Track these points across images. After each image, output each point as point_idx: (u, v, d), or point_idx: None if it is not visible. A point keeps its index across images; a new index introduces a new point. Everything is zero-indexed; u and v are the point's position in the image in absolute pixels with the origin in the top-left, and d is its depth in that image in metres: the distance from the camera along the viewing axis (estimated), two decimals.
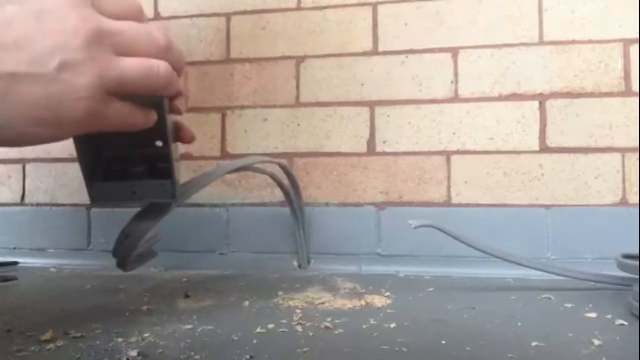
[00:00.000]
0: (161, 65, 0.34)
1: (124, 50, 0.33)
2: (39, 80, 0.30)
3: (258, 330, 0.41)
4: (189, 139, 0.44)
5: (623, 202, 0.67)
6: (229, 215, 0.76)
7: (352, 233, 0.72)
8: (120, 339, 0.38)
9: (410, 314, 0.46)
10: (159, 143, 0.42)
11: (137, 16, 0.35)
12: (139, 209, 0.46)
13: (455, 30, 0.71)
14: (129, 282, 0.61)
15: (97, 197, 0.42)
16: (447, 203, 0.71)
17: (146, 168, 0.43)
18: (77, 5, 0.31)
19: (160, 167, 0.43)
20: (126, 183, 0.42)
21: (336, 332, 0.41)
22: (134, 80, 0.33)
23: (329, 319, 0.44)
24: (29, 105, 0.30)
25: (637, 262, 0.46)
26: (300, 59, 0.76)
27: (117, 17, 0.33)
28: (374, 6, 0.74)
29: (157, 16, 0.80)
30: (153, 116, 0.37)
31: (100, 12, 0.33)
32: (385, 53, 0.73)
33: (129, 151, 0.42)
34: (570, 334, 0.40)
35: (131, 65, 0.33)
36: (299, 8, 0.76)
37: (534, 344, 0.37)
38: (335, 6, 0.75)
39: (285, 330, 0.41)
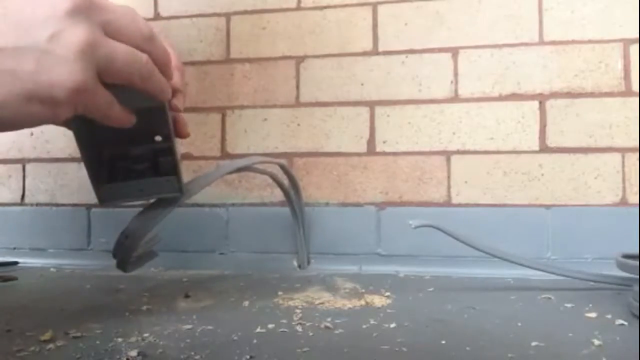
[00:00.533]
0: (144, 57, 0.34)
1: (111, 31, 0.32)
2: (30, 54, 0.29)
3: (258, 330, 0.41)
4: (183, 134, 0.44)
5: (623, 202, 0.67)
6: (229, 215, 0.76)
7: (352, 233, 0.72)
8: (120, 339, 0.38)
9: (410, 314, 0.46)
10: (159, 138, 0.42)
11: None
12: (139, 209, 0.47)
13: (455, 30, 0.71)
14: (129, 282, 0.61)
15: (106, 199, 0.42)
16: (447, 203, 0.71)
17: (151, 165, 0.43)
18: None
19: (164, 164, 0.43)
20: (133, 182, 0.42)
21: (336, 332, 0.41)
22: (119, 65, 0.32)
23: (329, 319, 0.44)
24: (21, 80, 0.30)
25: (637, 262, 0.46)
26: (300, 59, 0.76)
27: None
28: (374, 6, 0.74)
29: (157, 16, 0.80)
30: (132, 119, 0.36)
31: None
32: (385, 53, 0.73)
33: (133, 151, 0.43)
34: (570, 334, 0.40)
35: (120, 50, 0.32)
36: (299, 8, 0.76)
37: (534, 344, 0.37)
38: (335, 6, 0.75)
39: (285, 330, 0.41)
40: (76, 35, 0.30)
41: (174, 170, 0.43)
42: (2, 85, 0.29)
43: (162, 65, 0.36)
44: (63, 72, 0.30)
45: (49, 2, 0.30)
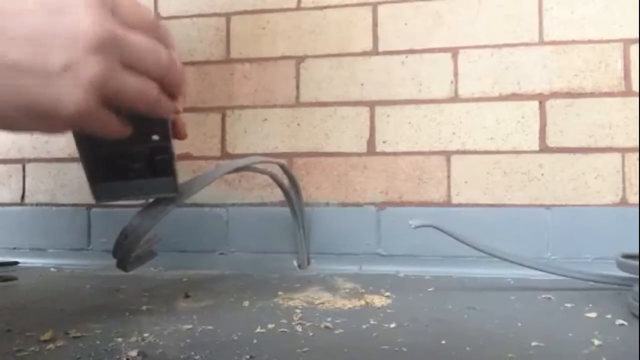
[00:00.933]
0: (155, 93, 0.35)
1: (129, 63, 0.33)
2: (41, 75, 0.30)
3: (258, 330, 0.41)
4: (182, 136, 0.44)
5: (623, 202, 0.67)
6: (229, 215, 0.76)
7: (352, 233, 0.72)
8: (120, 339, 0.38)
9: (410, 314, 0.46)
10: (156, 137, 0.42)
11: (152, 27, 0.35)
12: (138, 210, 0.47)
13: (455, 30, 0.71)
14: (129, 282, 0.61)
15: (102, 197, 0.42)
16: (447, 203, 0.71)
17: (147, 165, 0.43)
18: (96, 7, 0.31)
19: (161, 164, 0.43)
20: (129, 182, 0.42)
21: (336, 332, 0.41)
22: (128, 98, 0.33)
23: (329, 319, 0.44)
24: (23, 96, 0.30)
25: (637, 262, 0.46)
26: (300, 59, 0.76)
27: (132, 25, 0.33)
28: (374, 6, 0.74)
29: (157, 16, 0.80)
30: (128, 131, 0.37)
31: (117, 17, 0.32)
32: (385, 53, 0.73)
33: (130, 150, 0.42)
34: (570, 334, 0.40)
35: (131, 83, 0.33)
36: (299, 8, 0.76)
37: (534, 344, 0.37)
38: (335, 6, 0.75)
39: (285, 330, 0.41)
40: (91, 69, 0.31)
41: (171, 171, 0.43)
42: (6, 97, 0.30)
43: (175, 88, 0.37)
44: (68, 99, 0.31)
45: (74, 31, 0.30)
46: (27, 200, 0.82)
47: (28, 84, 0.30)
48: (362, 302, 0.50)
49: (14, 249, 0.81)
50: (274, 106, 0.76)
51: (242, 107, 0.77)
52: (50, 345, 0.37)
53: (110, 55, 0.31)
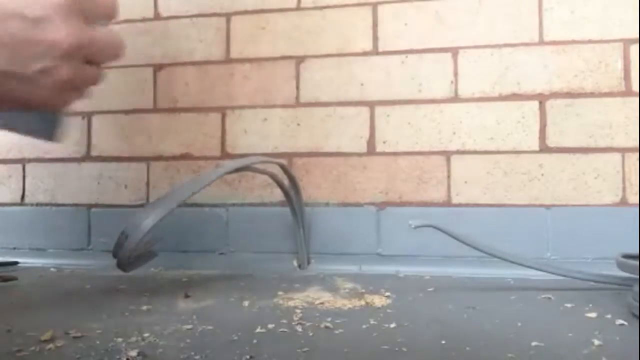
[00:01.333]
0: (101, 78, 0.41)
1: (92, 58, 0.39)
2: (17, 77, 0.35)
3: (258, 330, 0.41)
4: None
5: (623, 202, 0.67)
6: (229, 215, 0.76)
7: (352, 233, 0.72)
8: (120, 339, 0.38)
9: (410, 314, 0.46)
10: None
11: (109, 10, 0.40)
12: (139, 209, 0.47)
13: (455, 30, 0.71)
14: (129, 282, 0.61)
15: None
16: (447, 203, 0.71)
17: None
18: (69, 17, 0.35)
19: None
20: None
21: (336, 332, 0.41)
22: (86, 85, 0.40)
23: (329, 319, 0.44)
24: (4, 93, 0.35)
25: (637, 262, 0.46)
26: (300, 59, 0.76)
27: (96, 16, 0.38)
28: (374, 6, 0.74)
29: (157, 16, 0.80)
30: (86, 94, 0.41)
31: (84, 11, 0.37)
32: (385, 53, 0.73)
33: None
34: (570, 334, 0.40)
35: (90, 76, 0.39)
36: (298, 8, 0.76)
37: (534, 344, 0.37)
38: (335, 6, 0.75)
39: (285, 330, 0.41)
40: (64, 72, 0.36)
41: (56, 113, 0.41)
42: None
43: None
44: (44, 94, 0.36)
45: (50, 41, 0.35)
46: (27, 200, 0.82)
47: (9, 85, 0.35)
48: (362, 302, 0.50)
49: (14, 249, 0.80)
50: (274, 106, 0.76)
51: (242, 107, 0.77)
52: (50, 345, 0.37)
53: (78, 58, 0.37)
